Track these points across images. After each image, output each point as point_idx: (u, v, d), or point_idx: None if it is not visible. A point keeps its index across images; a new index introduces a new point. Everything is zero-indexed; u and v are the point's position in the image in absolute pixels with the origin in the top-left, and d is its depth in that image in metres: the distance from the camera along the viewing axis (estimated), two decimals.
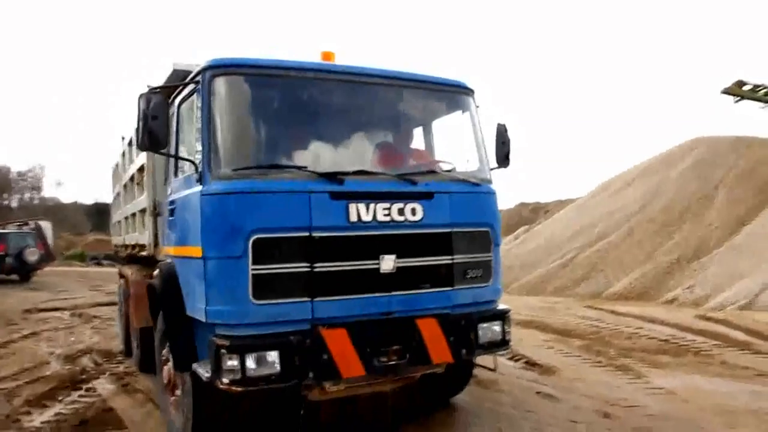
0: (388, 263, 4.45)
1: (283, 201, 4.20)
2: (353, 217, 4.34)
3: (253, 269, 4.06)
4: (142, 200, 6.44)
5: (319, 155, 4.67)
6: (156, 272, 5.41)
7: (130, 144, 7.54)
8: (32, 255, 27.17)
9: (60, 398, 6.79)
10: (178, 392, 5.11)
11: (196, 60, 5.05)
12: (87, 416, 6.03)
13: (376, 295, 4.44)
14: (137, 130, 4.43)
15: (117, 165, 9.50)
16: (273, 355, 4.03)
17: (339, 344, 4.22)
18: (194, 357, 4.53)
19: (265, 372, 4.02)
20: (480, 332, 4.86)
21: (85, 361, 8.93)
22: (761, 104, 28.82)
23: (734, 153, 24.01)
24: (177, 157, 4.75)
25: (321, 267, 4.24)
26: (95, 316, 14.49)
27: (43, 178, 79.72)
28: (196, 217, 4.34)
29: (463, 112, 5.41)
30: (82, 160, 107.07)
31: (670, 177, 24.00)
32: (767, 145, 24.51)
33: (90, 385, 7.36)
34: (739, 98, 29.13)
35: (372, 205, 4.40)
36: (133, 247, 7.61)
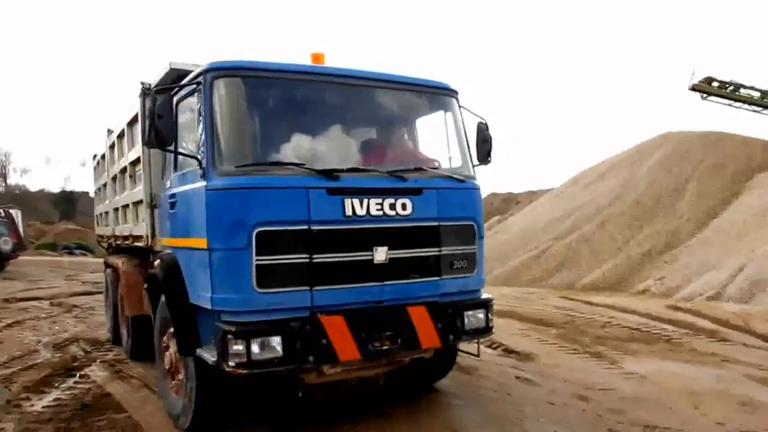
0: (380, 254, 4.72)
1: (284, 196, 4.45)
2: (348, 212, 4.61)
3: (256, 260, 4.31)
4: (138, 192, 6.59)
5: (314, 152, 4.92)
6: (157, 263, 5.60)
7: (119, 137, 7.68)
8: (5, 244, 26.76)
9: (56, 384, 6.90)
10: (180, 377, 5.31)
11: (193, 60, 5.47)
12: (86, 401, 6.17)
13: (370, 284, 4.72)
14: (144, 127, 4.66)
15: (103, 157, 9.52)
16: (276, 340, 4.29)
17: (337, 330, 4.49)
18: (198, 342, 4.77)
19: (269, 356, 4.28)
20: (466, 319, 5.16)
21: (74, 349, 9.00)
22: (728, 101, 29.67)
23: (703, 148, 24.67)
24: (182, 154, 4.90)
25: (319, 258, 4.50)
26: (75, 306, 14.48)
27: (9, 166, 78.27)
28: (200, 211, 4.56)
29: (447, 112, 5.68)
30: (48, 148, 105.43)
31: (641, 171, 24.58)
32: (735, 140, 25.23)
33: (83, 372, 7.46)
34: (707, 95, 29.94)
35: (365, 200, 4.67)
36: (126, 237, 7.72)
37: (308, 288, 4.47)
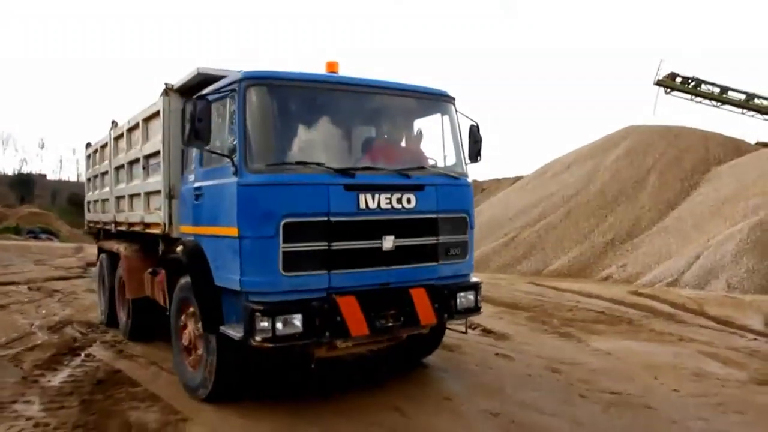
0: (388, 242, 5.31)
1: (307, 191, 5.03)
2: (362, 205, 5.19)
3: (283, 247, 4.86)
4: (154, 183, 6.98)
5: (332, 152, 5.54)
6: (179, 248, 6.10)
7: (130, 130, 8.07)
8: None
9: (65, 363, 7.28)
10: (198, 352, 5.83)
11: (220, 65, 6.05)
12: (99, 377, 6.61)
13: (378, 269, 5.32)
14: (185, 129, 5.20)
15: (103, 147, 9.85)
16: (297, 318, 4.85)
17: (350, 309, 5.06)
18: (221, 321, 5.31)
19: (291, 331, 4.84)
20: (458, 300, 5.80)
21: (70, 331, 9.30)
22: (690, 96, 30.85)
23: (664, 141, 25.74)
24: (217, 153, 5.29)
25: (336, 245, 5.07)
26: (55, 290, 14.52)
27: None
28: (231, 203, 5.06)
29: (445, 115, 6.26)
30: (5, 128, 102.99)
31: (604, 163, 25.56)
32: (694, 134, 26.36)
33: (87, 352, 7.87)
34: (670, 89, 31.09)
35: (376, 195, 5.26)
36: (132, 224, 8.07)
37: (326, 272, 5.04)
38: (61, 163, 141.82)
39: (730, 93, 29.63)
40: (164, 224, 6.64)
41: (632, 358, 7.50)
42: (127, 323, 8.54)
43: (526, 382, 6.42)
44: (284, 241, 4.86)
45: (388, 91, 5.93)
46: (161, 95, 6.69)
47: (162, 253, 7.12)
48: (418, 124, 6.39)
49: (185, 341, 6.07)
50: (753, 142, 28.59)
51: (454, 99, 6.32)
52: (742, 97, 29.39)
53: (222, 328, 5.23)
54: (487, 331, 9.01)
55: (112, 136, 9.07)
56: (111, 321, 9.40)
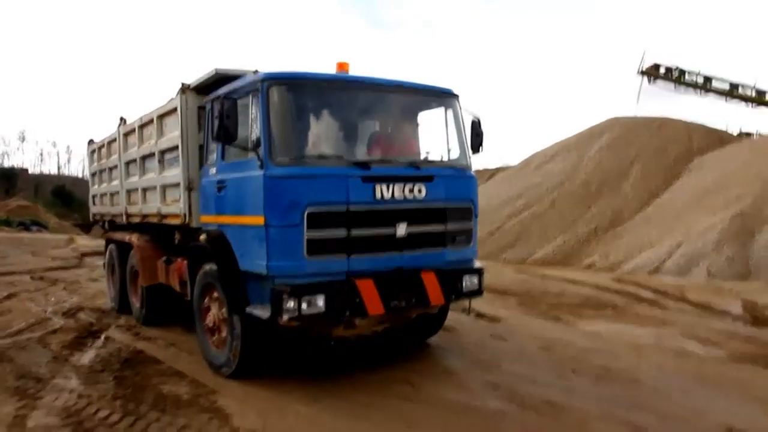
0: (401, 229, 5.77)
1: (329, 182, 5.47)
2: (378, 195, 5.63)
3: (307, 234, 5.31)
4: (172, 176, 7.38)
5: (349, 146, 6.10)
6: (202, 237, 6.54)
7: (142, 126, 8.46)
8: None
9: (89, 344, 7.76)
10: (222, 334, 6.28)
11: (236, 66, 6.55)
12: (125, 356, 7.09)
13: (392, 253, 5.78)
14: (214, 127, 5.66)
15: (111, 143, 10.26)
16: (320, 298, 5.30)
17: (367, 290, 5.52)
18: (246, 302, 5.76)
19: (314, 311, 5.28)
20: (464, 283, 6.27)
21: (84, 317, 9.73)
22: (674, 85, 31.41)
23: (647, 132, 26.32)
24: (243, 148, 5.68)
25: (355, 232, 5.53)
26: (58, 279, 14.87)
27: None
28: (257, 194, 5.48)
29: (451, 111, 6.66)
30: None
31: (589, 153, 26.07)
32: (677, 125, 26.97)
33: (106, 335, 8.33)
34: (654, 79, 31.66)
35: (391, 186, 5.68)
36: (145, 216, 8.60)
37: (346, 256, 5.51)
38: (41, 156, 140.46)
39: (714, 82, 30.17)
40: (184, 215, 7.06)
41: (618, 338, 8.09)
42: (141, 309, 8.97)
43: (520, 358, 6.99)
44: (308, 229, 5.31)
45: (398, 89, 6.38)
46: (178, 93, 7.06)
47: (178, 242, 7.56)
48: (425, 117, 6.84)
49: (209, 323, 6.49)
50: (736, 132, 29.23)
51: (458, 96, 6.74)
52: (726, 86, 29.96)
53: (248, 309, 5.68)
54: (480, 315, 9.55)
55: (122, 133, 9.42)
56: (123, 307, 9.80)
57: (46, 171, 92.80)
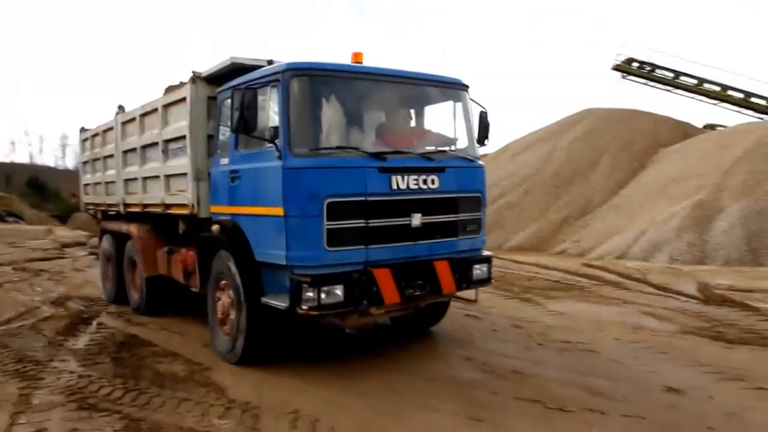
0: (416, 220, 5.85)
1: (347, 174, 5.50)
2: (394, 186, 5.69)
3: (327, 224, 5.35)
4: (178, 166, 7.37)
5: (365, 137, 6.12)
6: (215, 227, 6.46)
7: (144, 115, 8.42)
8: None
9: (82, 330, 8.13)
10: (232, 322, 6.31)
11: (253, 55, 6.53)
12: (119, 340, 7.49)
13: (407, 243, 5.85)
14: (234, 117, 5.63)
15: (106, 132, 10.16)
16: (339, 288, 5.37)
17: (384, 280, 5.62)
18: (261, 292, 5.85)
19: (333, 300, 5.35)
20: (474, 271, 6.43)
21: (74, 305, 10.03)
22: (645, 80, 32.02)
23: (619, 124, 27.04)
24: (262, 139, 5.59)
25: (372, 223, 5.58)
26: (42, 270, 15.00)
27: None
28: (276, 185, 5.48)
29: (459, 102, 6.74)
30: None
31: (561, 144, 26.75)
32: (647, 117, 27.74)
33: (98, 321, 8.69)
34: (627, 74, 32.25)
35: (405, 177, 5.75)
36: (145, 206, 8.60)
37: (364, 246, 5.56)
38: (14, 145, 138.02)
39: (682, 78, 30.78)
40: (192, 205, 7.07)
41: (582, 316, 8.71)
42: (140, 300, 9.02)
43: (492, 335, 7.59)
44: (328, 219, 5.35)
45: (416, 81, 6.42)
46: (189, 82, 7.02)
47: (183, 232, 7.65)
48: (437, 108, 6.92)
49: (219, 312, 6.59)
50: (701, 125, 30.00)
51: (467, 87, 6.82)
52: (694, 82, 30.61)
53: (264, 299, 5.74)
54: (457, 297, 10.07)
55: (120, 121, 9.36)
56: (119, 298, 9.87)
57: (18, 160, 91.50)
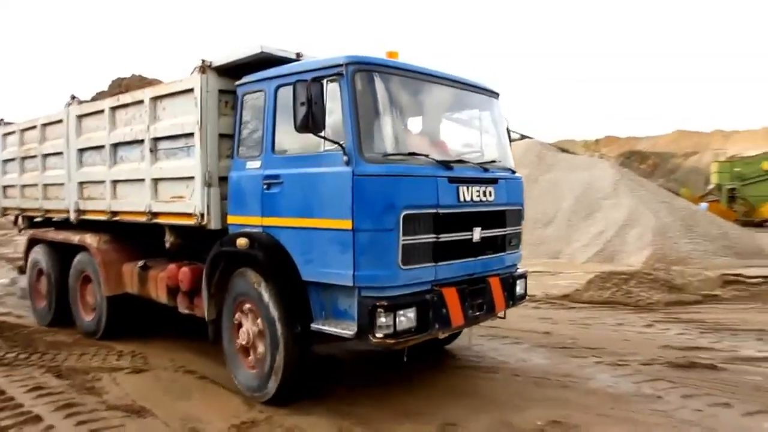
0: (477, 234, 5.41)
1: (422, 183, 4.94)
2: (461, 198, 5.22)
3: (402, 240, 4.71)
4: (177, 168, 6.38)
5: (429, 143, 5.52)
6: (242, 241, 5.50)
7: (117, 108, 7.31)
8: None
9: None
10: (259, 352, 5.47)
11: (281, 45, 5.79)
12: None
13: (469, 259, 5.38)
14: (298, 114, 4.72)
15: (46, 125, 8.81)
16: (412, 311, 4.72)
17: (452, 300, 5.09)
18: (310, 317, 5.07)
19: (408, 326, 4.69)
20: (517, 287, 6.06)
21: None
22: None
23: None
24: (328, 140, 4.81)
25: (442, 237, 5.04)
26: None
27: None
28: (342, 194, 4.72)
29: (497, 110, 6.38)
30: None
31: None
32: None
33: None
34: None
35: (470, 188, 5.30)
36: (114, 213, 7.46)
37: (434, 264, 4.99)
38: None
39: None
40: (200, 214, 6.01)
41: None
42: (96, 322, 7.84)
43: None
44: (404, 234, 4.73)
45: (466, 87, 5.97)
46: (197, 72, 5.99)
47: (171, 245, 6.67)
48: (478, 114, 6.40)
49: (242, 340, 5.67)
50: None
51: (498, 94, 6.46)
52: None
53: (314, 326, 5.01)
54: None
55: (75, 114, 8.03)
56: (58, 320, 8.63)
57: None
